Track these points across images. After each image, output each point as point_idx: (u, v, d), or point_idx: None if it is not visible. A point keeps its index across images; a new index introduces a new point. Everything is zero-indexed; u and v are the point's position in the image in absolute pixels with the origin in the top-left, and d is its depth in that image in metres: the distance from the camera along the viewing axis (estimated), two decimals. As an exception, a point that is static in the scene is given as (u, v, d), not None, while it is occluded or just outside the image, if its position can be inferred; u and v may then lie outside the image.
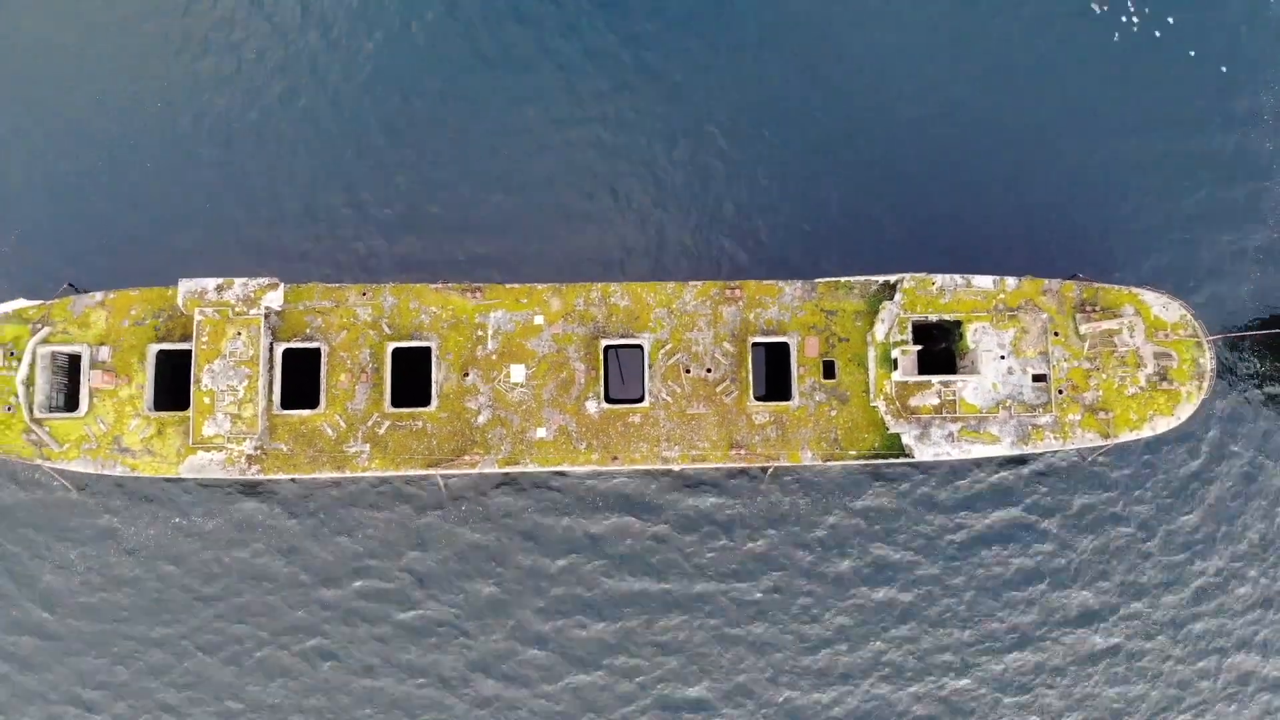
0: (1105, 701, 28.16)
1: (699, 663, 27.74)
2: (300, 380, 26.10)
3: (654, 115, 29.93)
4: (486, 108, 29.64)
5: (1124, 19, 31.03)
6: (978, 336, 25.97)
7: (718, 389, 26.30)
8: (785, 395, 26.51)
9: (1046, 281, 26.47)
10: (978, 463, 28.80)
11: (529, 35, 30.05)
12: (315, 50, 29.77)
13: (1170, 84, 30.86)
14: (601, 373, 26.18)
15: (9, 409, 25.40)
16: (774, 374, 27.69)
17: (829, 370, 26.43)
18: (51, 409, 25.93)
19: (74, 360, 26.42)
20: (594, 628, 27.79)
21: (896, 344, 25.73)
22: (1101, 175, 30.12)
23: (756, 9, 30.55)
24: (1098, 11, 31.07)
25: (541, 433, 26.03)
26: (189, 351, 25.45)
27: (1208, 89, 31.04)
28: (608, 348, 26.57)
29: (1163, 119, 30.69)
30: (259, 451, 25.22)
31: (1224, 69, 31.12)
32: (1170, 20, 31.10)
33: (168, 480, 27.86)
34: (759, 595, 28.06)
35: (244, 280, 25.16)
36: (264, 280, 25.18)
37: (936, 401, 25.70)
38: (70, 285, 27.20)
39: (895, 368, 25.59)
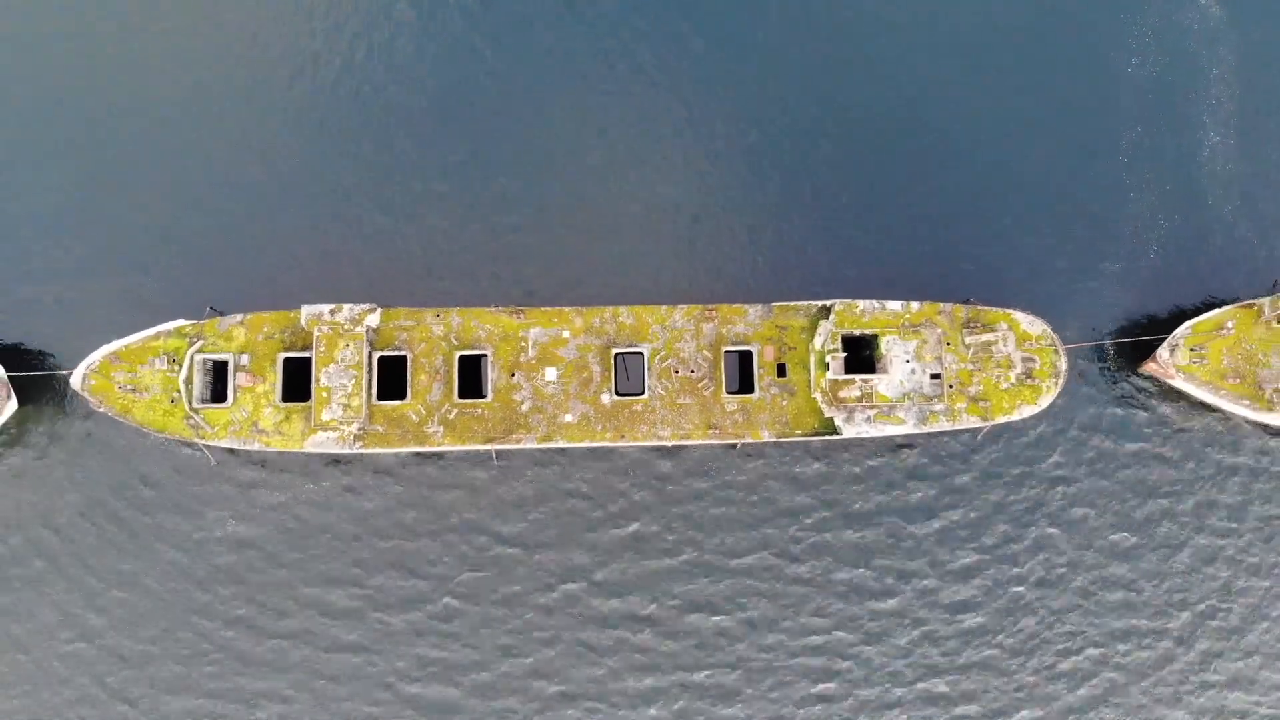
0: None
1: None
2: (392, 379, 34.94)
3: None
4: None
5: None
6: (890, 346, 35.05)
7: (699, 385, 35.22)
8: (749, 389, 35.30)
9: (942, 305, 35.59)
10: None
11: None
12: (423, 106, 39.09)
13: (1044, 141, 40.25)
14: (612, 373, 35.01)
15: (173, 401, 34.21)
16: (741, 374, 36.10)
17: (781, 371, 35.33)
18: (204, 401, 34.73)
19: (220, 365, 35.10)
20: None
21: (830, 351, 34.73)
22: (990, 219, 39.36)
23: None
24: None
25: (569, 417, 34.85)
26: (309, 358, 34.15)
27: (1073, 136, 40.30)
28: (617, 354, 35.32)
29: (1037, 165, 39.94)
30: (362, 431, 34.09)
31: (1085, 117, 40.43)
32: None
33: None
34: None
35: (350, 305, 34.00)
36: (365, 306, 34.03)
37: (859, 394, 34.75)
38: (212, 308, 35.93)
39: (829, 369, 34.70)
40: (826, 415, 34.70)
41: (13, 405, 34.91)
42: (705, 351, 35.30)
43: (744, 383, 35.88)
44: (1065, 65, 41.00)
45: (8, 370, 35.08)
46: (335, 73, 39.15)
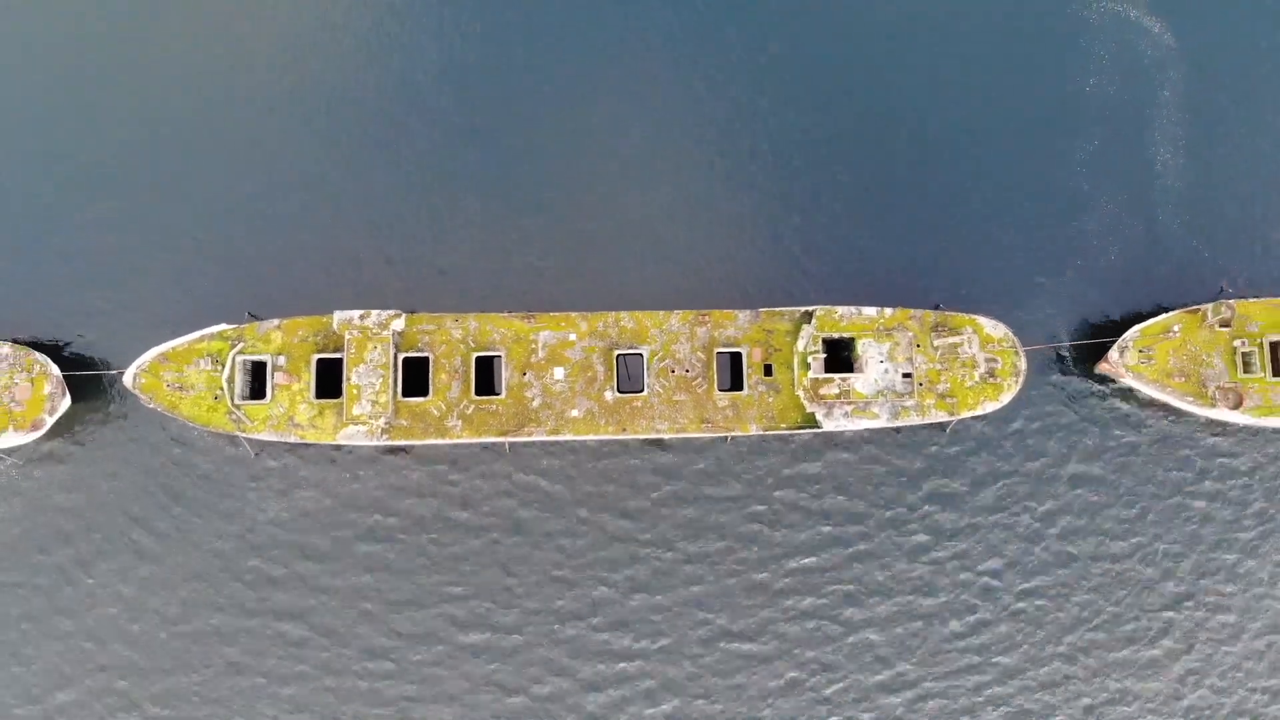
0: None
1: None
2: (415, 378, 38.42)
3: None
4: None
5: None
6: (866, 348, 38.64)
7: (693, 383, 38.74)
8: (739, 387, 38.78)
9: (913, 311, 39.20)
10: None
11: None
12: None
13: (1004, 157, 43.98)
14: (615, 372, 38.48)
15: (216, 398, 37.65)
16: (732, 373, 39.40)
17: (768, 370, 38.85)
18: (244, 398, 38.12)
19: (259, 365, 38.55)
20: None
21: (811, 353, 38.32)
22: (957, 231, 43.03)
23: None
24: None
25: (575, 413, 38.33)
26: (340, 359, 37.63)
27: (1034, 154, 43.99)
28: (619, 355, 38.74)
29: (1000, 180, 43.57)
30: (389, 425, 37.60)
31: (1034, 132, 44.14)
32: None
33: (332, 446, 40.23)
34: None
35: (378, 311, 37.45)
36: (391, 311, 37.46)
37: (838, 391, 38.35)
38: (251, 313, 39.35)
39: (811, 369, 38.30)
40: (809, 410, 38.29)
41: (67, 402, 38.22)
42: (699, 353, 38.79)
43: (734, 381, 39.34)
44: (1028, 84, 44.45)
45: (62, 370, 38.41)
46: (367, 99, 42.78)
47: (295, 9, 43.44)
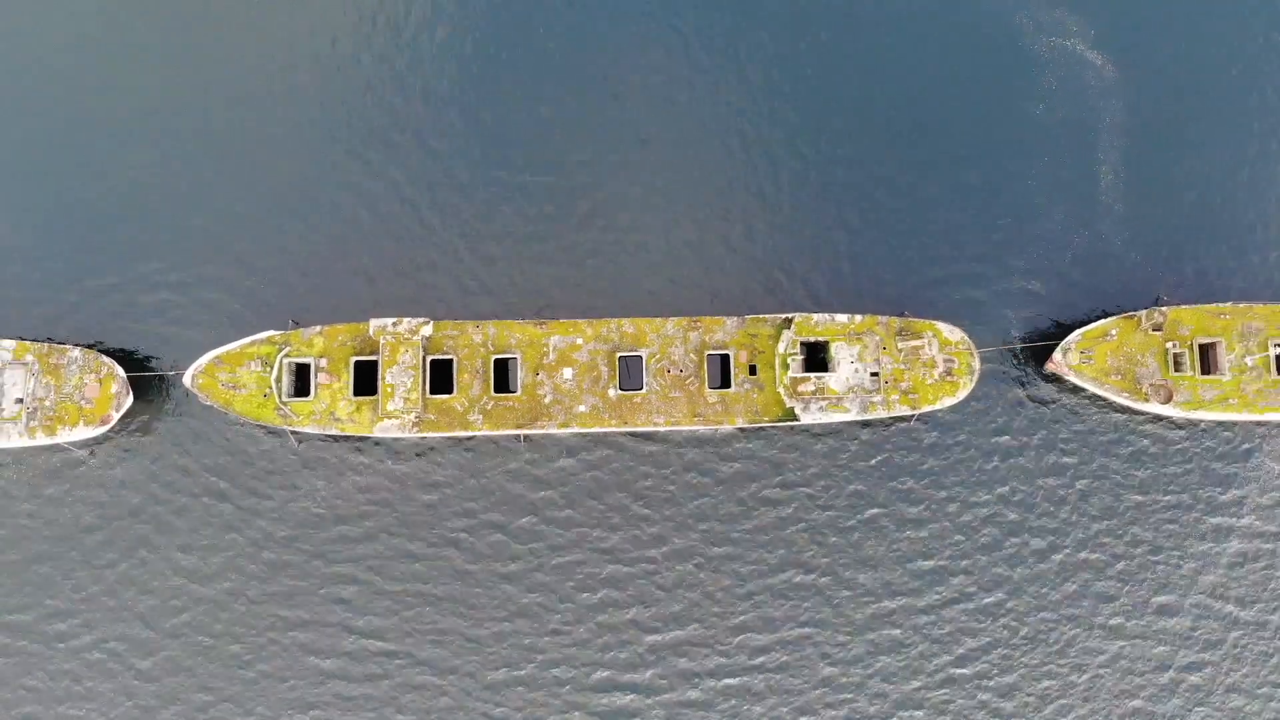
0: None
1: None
2: (441, 377, 43.10)
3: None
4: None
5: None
6: (838, 350, 43.53)
7: (687, 382, 43.60)
8: (727, 385, 43.47)
9: (880, 317, 44.14)
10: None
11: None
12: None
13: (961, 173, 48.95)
14: (617, 372, 43.23)
15: (266, 396, 42.42)
16: (721, 373, 43.90)
17: (753, 370, 43.57)
18: (290, 396, 42.94)
19: (303, 367, 43.30)
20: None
21: (791, 355, 43.16)
22: (920, 248, 48.04)
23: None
24: None
25: (582, 408, 43.07)
26: (376, 361, 42.42)
27: (991, 175, 48.92)
28: (621, 357, 43.41)
29: (957, 203, 48.44)
30: (419, 419, 42.41)
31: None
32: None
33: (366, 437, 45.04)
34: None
35: (409, 319, 42.12)
36: (420, 319, 42.07)
37: (813, 388, 43.33)
38: (295, 321, 44.08)
39: (790, 368, 43.25)
40: (788, 405, 43.13)
41: (129, 400, 42.95)
42: (692, 355, 43.49)
43: (723, 380, 43.72)
44: (983, 110, 49.04)
45: (126, 372, 42.98)
46: (402, 133, 47.47)
47: (333, 36, 48.13)
